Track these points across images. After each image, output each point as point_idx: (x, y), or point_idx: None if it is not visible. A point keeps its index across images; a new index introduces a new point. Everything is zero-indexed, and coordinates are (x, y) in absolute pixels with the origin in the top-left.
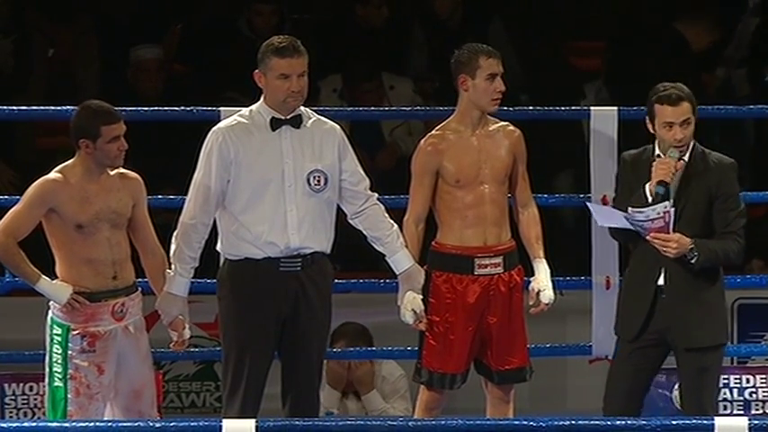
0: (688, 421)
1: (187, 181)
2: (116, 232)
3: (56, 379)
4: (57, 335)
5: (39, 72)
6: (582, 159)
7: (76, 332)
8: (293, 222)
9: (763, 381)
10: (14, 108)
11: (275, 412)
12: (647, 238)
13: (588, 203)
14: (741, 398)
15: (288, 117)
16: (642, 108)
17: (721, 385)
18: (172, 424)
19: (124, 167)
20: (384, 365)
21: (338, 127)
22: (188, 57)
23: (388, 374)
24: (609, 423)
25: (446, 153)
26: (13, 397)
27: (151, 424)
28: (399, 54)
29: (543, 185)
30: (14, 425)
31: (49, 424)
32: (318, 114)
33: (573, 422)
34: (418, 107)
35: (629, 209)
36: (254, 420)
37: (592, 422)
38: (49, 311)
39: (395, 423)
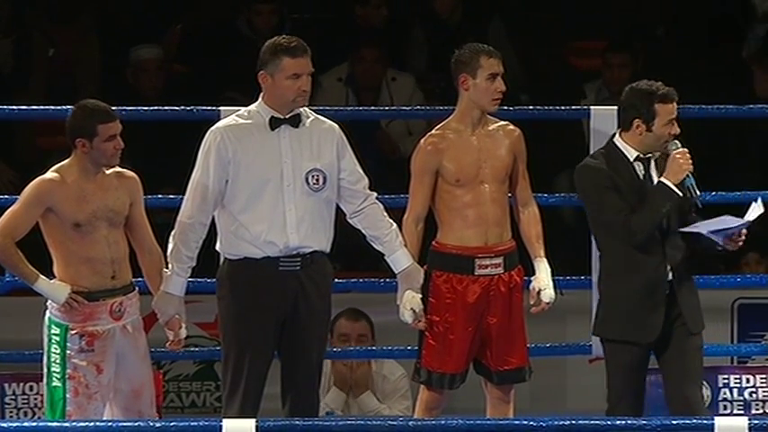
0: (688, 421)
1: (186, 180)
2: (114, 231)
3: (54, 379)
4: (55, 334)
5: (39, 72)
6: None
7: (75, 332)
8: (292, 222)
9: (763, 381)
10: (14, 108)
11: (275, 412)
12: (728, 242)
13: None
14: (741, 398)
15: (287, 116)
16: None
17: (721, 385)
18: (172, 424)
19: (124, 166)
20: (385, 365)
21: (337, 126)
22: (188, 57)
23: (388, 374)
24: (609, 423)
25: (446, 152)
26: (13, 397)
27: (151, 424)
28: (399, 54)
29: (543, 185)
30: (14, 425)
31: (50, 424)
32: (318, 113)
33: (573, 422)
34: (418, 107)
35: (758, 206)
36: (254, 420)
37: (592, 422)
38: (47, 311)
39: (395, 423)
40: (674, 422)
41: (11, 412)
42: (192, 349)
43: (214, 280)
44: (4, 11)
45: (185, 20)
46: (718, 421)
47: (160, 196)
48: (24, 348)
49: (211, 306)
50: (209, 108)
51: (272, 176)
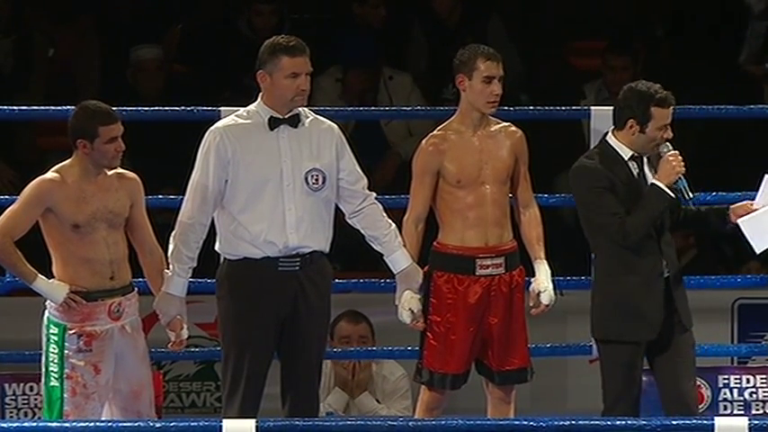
0: (688, 421)
1: (186, 181)
2: (113, 232)
3: (52, 378)
4: (53, 334)
5: (39, 72)
6: None
7: (73, 332)
8: (292, 221)
9: (764, 381)
10: (14, 108)
11: (275, 412)
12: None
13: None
14: (741, 398)
15: (286, 116)
16: None
17: (721, 385)
18: (172, 424)
19: (123, 167)
20: (385, 365)
21: (336, 126)
22: (188, 57)
23: (388, 374)
24: (609, 423)
25: (447, 153)
26: (13, 397)
27: (151, 424)
28: (398, 53)
29: (544, 185)
30: (14, 425)
31: (50, 424)
32: (317, 114)
33: (573, 422)
34: (419, 107)
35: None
36: (254, 420)
37: (592, 422)
38: (46, 311)
39: (395, 423)
40: (674, 422)
41: (11, 412)
42: (193, 349)
43: (214, 280)
44: (4, 11)
45: (185, 20)
46: (719, 421)
47: (160, 197)
48: (24, 348)
49: (211, 306)
50: (209, 108)
51: (271, 176)
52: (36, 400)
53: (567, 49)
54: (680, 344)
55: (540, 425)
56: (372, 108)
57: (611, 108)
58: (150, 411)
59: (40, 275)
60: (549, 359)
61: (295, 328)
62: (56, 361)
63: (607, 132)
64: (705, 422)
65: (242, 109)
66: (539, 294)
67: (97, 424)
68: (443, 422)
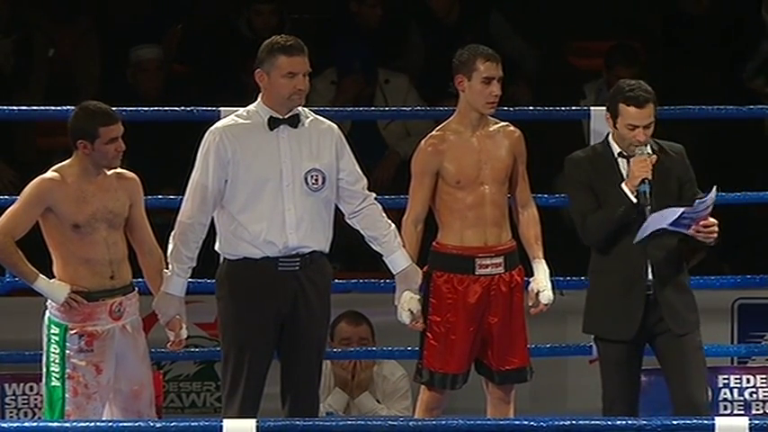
0: (688, 421)
1: (186, 181)
2: (113, 232)
3: (53, 378)
4: (54, 334)
5: (39, 72)
6: None
7: (74, 331)
8: (291, 221)
9: (764, 381)
10: (14, 108)
11: (275, 412)
12: (693, 229)
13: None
14: (741, 398)
15: (286, 116)
16: None
17: (721, 385)
18: (172, 424)
19: (123, 167)
20: (385, 365)
21: (335, 126)
22: (188, 57)
23: (388, 374)
24: (609, 423)
25: (446, 154)
26: (13, 397)
27: (152, 424)
28: (395, 53)
29: (543, 185)
30: (15, 425)
31: (50, 424)
32: (317, 114)
33: (573, 422)
34: (418, 107)
35: (696, 201)
36: (254, 420)
37: (592, 422)
38: (47, 311)
39: (395, 423)
40: (675, 422)
41: (11, 412)
42: (193, 349)
43: (214, 280)
44: (4, 11)
45: (185, 20)
46: (719, 421)
47: (160, 197)
48: (24, 349)
49: (211, 306)
50: (209, 108)
51: (271, 176)
52: (36, 400)
53: (567, 49)
54: (682, 349)
55: (539, 425)
56: (372, 108)
57: None
58: (150, 411)
59: (41, 275)
60: (548, 359)
61: (295, 329)
62: (57, 361)
63: None
64: (705, 422)
65: (242, 109)
66: (538, 294)
67: (97, 424)
68: (443, 422)
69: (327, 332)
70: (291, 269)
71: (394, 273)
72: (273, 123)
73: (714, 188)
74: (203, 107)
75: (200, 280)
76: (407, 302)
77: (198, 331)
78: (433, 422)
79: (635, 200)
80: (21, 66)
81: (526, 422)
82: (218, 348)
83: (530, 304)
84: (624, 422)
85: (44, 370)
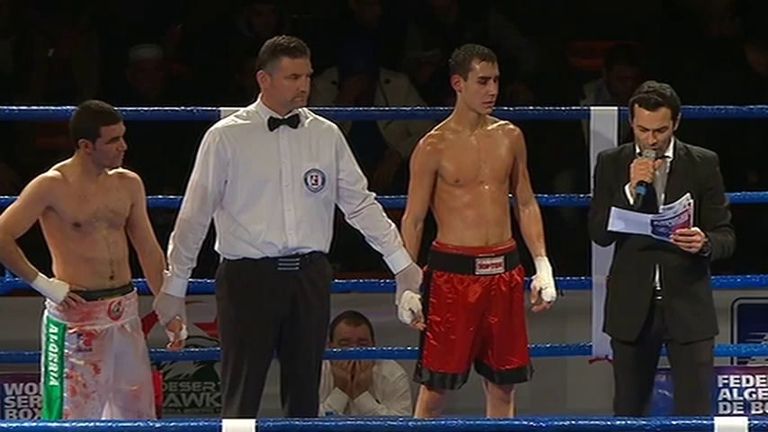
0: (688, 421)
1: (186, 181)
2: (114, 232)
3: (51, 378)
4: (53, 333)
5: (39, 72)
6: (582, 159)
7: (72, 331)
8: (291, 222)
9: (763, 381)
10: (14, 108)
11: (275, 412)
12: (671, 237)
13: (613, 208)
14: (741, 398)
15: (286, 117)
16: None
17: (721, 385)
18: (172, 424)
19: (123, 167)
20: (384, 365)
21: (335, 126)
22: (188, 57)
23: (388, 374)
24: (609, 423)
25: (445, 153)
26: (13, 397)
27: (151, 424)
28: (395, 52)
29: (543, 185)
30: (14, 425)
31: (49, 424)
32: (317, 114)
33: (573, 422)
34: (418, 107)
35: (661, 208)
36: (254, 420)
37: (592, 422)
38: (45, 310)
39: (395, 423)
40: (674, 422)
41: (11, 412)
42: (192, 350)
43: (214, 280)
44: (4, 11)
45: (185, 20)
46: (718, 421)
47: (160, 197)
48: (24, 349)
49: (211, 306)
50: (209, 108)
51: (270, 177)
52: (36, 400)
53: (567, 49)
54: (686, 363)
55: (539, 425)
56: (372, 108)
57: (612, 108)
58: (150, 411)
59: (40, 274)
60: (548, 359)
61: (294, 329)
62: (55, 360)
63: None
64: (705, 422)
65: (241, 109)
66: (540, 292)
67: (97, 424)
68: (443, 422)
69: (327, 332)
70: (291, 269)
71: (394, 272)
72: (273, 124)
73: (686, 195)
74: (203, 107)
75: (199, 280)
76: (408, 302)
77: (197, 331)
78: (433, 422)
79: (631, 201)
80: (21, 66)
81: (526, 422)
82: (218, 348)
83: (532, 302)
84: (624, 422)
85: (42, 369)
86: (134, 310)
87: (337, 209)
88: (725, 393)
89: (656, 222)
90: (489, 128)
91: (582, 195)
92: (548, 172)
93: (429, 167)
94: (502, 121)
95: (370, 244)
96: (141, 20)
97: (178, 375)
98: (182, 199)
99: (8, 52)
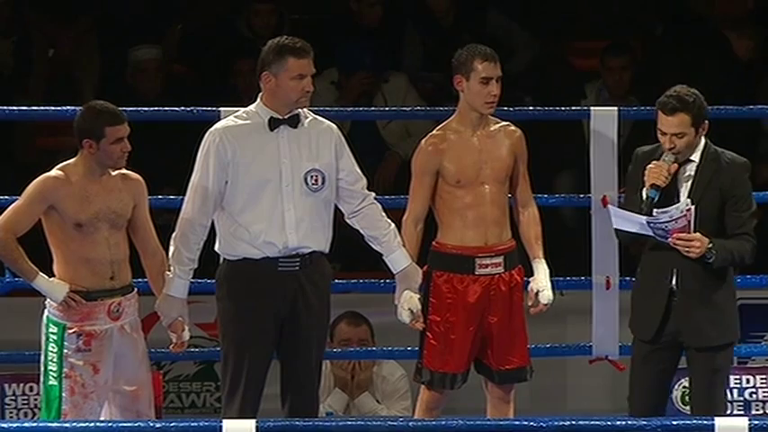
0: (688, 421)
1: (186, 181)
2: (115, 233)
3: (51, 377)
4: (52, 333)
5: (39, 72)
6: (582, 159)
7: (72, 331)
8: (291, 222)
9: (764, 381)
10: (14, 108)
11: (275, 412)
12: (670, 240)
13: (610, 206)
14: (741, 398)
15: (286, 117)
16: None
17: None
18: (172, 424)
19: (124, 168)
20: (384, 366)
21: (335, 126)
22: (188, 57)
23: (388, 375)
24: (609, 423)
25: (447, 153)
26: (13, 397)
27: (151, 424)
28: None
29: (544, 186)
30: (14, 425)
31: (49, 424)
32: (317, 114)
33: (573, 422)
34: (418, 107)
35: (655, 211)
36: (254, 421)
37: (592, 422)
38: (45, 310)
39: (395, 423)
40: (675, 422)
41: (11, 413)
42: (193, 350)
43: (214, 281)
44: (4, 11)
45: (185, 20)
46: (719, 422)
47: (160, 197)
48: (24, 349)
49: (211, 307)
50: (208, 108)
51: (271, 177)
52: (36, 400)
53: (568, 49)
54: (698, 368)
55: (539, 425)
56: (372, 108)
57: (612, 109)
58: (150, 412)
59: (40, 273)
60: (548, 359)
61: (295, 329)
62: (55, 360)
63: None
64: (705, 422)
65: (241, 110)
66: (537, 294)
67: (97, 424)
68: (443, 422)
69: (327, 332)
70: (291, 269)
71: (394, 272)
72: (273, 124)
73: (686, 201)
74: (203, 107)
75: (200, 280)
76: (407, 302)
77: (198, 331)
78: (433, 422)
79: (641, 204)
80: (21, 66)
81: (526, 423)
82: (218, 349)
83: (529, 304)
84: (624, 422)
85: (42, 368)
86: (134, 311)
87: (337, 209)
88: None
89: (651, 224)
90: (491, 129)
91: (582, 195)
92: (548, 172)
93: (430, 167)
94: (504, 122)
95: (370, 244)
96: (141, 20)
97: (178, 375)
98: (182, 199)
99: (8, 52)
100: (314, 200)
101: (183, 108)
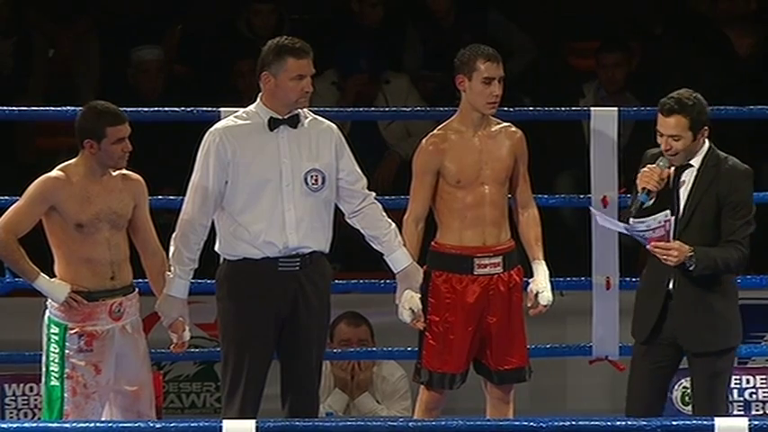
0: (688, 422)
1: (187, 182)
2: (116, 233)
3: (52, 378)
4: (54, 334)
5: (39, 72)
6: (582, 159)
7: (74, 331)
8: (291, 222)
9: (764, 381)
10: (14, 108)
11: (275, 413)
12: (648, 247)
13: (594, 210)
14: (741, 398)
15: (285, 117)
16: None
17: None
18: (172, 425)
19: (125, 168)
20: (384, 366)
21: (335, 126)
22: (188, 57)
23: (388, 375)
24: (609, 423)
25: (447, 153)
26: (13, 397)
27: (152, 425)
28: (395, 52)
29: (544, 186)
30: (15, 425)
31: (50, 425)
32: (317, 114)
33: (573, 423)
34: (419, 108)
35: (631, 220)
36: (254, 421)
37: (592, 423)
38: (47, 310)
39: (395, 424)
40: (675, 422)
41: (11, 413)
42: (193, 350)
43: (214, 281)
44: (4, 11)
45: (185, 20)
46: (719, 422)
47: (160, 197)
48: (25, 349)
49: (212, 307)
50: (209, 109)
51: (271, 177)
52: (36, 400)
53: (566, 49)
54: (696, 371)
55: (539, 426)
56: (373, 108)
57: (612, 109)
58: (150, 412)
59: (42, 274)
60: (548, 360)
61: (295, 329)
62: (56, 360)
63: None
64: (705, 422)
65: (241, 110)
66: (537, 295)
67: (97, 424)
68: (443, 422)
69: (327, 332)
70: (291, 269)
71: (395, 272)
72: (274, 124)
73: (665, 212)
74: (203, 108)
75: (200, 280)
76: (408, 301)
77: (198, 332)
78: (433, 423)
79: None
80: (21, 66)
81: (526, 423)
82: (218, 349)
83: (529, 305)
84: (624, 422)
85: (43, 369)
86: (135, 311)
87: (337, 209)
88: None
89: (630, 231)
90: (492, 129)
91: (582, 196)
92: (548, 172)
93: (431, 167)
94: (505, 123)
95: (371, 243)
96: (141, 20)
97: (178, 376)
98: (181, 200)
99: (8, 53)
100: (314, 200)
101: (183, 108)
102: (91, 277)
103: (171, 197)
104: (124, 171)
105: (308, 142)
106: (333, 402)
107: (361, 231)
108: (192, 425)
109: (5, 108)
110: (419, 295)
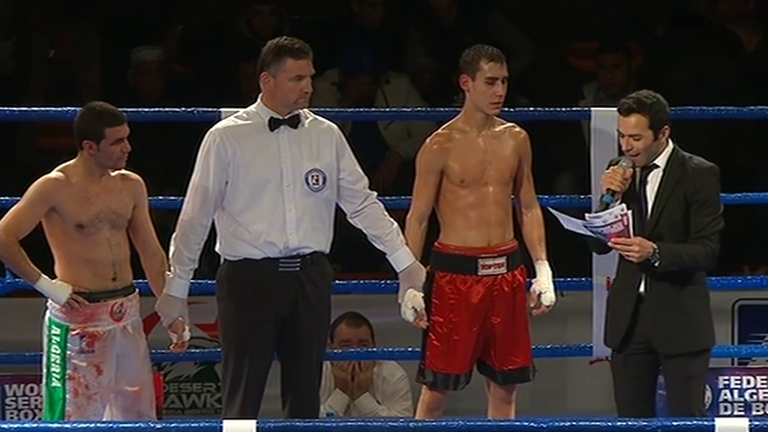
0: (688, 422)
1: (187, 182)
2: (116, 233)
3: (54, 379)
4: (55, 335)
5: (39, 73)
6: (582, 160)
7: (75, 332)
8: (292, 222)
9: (764, 382)
10: (15, 109)
11: (275, 413)
12: (609, 244)
13: (554, 211)
14: (741, 399)
15: (286, 117)
16: None
17: (721, 386)
18: (173, 425)
19: (125, 168)
20: (385, 366)
21: (335, 126)
22: (188, 58)
23: (388, 375)
24: (609, 424)
25: (452, 152)
26: (13, 398)
27: (152, 425)
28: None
29: (544, 186)
30: (15, 426)
31: (50, 425)
32: (317, 115)
33: (574, 423)
34: (419, 108)
35: (587, 216)
36: (254, 421)
37: (593, 423)
38: (47, 311)
39: (395, 424)
40: (675, 423)
41: (11, 413)
42: (193, 350)
43: (214, 281)
44: (4, 11)
45: (185, 21)
46: (719, 422)
47: (160, 198)
48: (25, 350)
49: (212, 307)
50: (209, 109)
51: (271, 177)
52: (36, 401)
53: (567, 50)
54: (671, 372)
55: (540, 426)
56: (373, 109)
57: (612, 109)
58: (151, 412)
59: (43, 275)
60: (549, 360)
61: (295, 329)
62: (58, 362)
63: None
64: (705, 423)
65: (242, 110)
66: (540, 295)
67: (98, 425)
68: (444, 423)
69: (328, 333)
70: (292, 270)
71: (397, 271)
72: (274, 124)
73: (621, 206)
74: (204, 108)
75: (200, 281)
76: (411, 300)
77: (199, 332)
78: (434, 423)
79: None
80: (21, 67)
81: (527, 423)
82: (219, 349)
83: (531, 306)
84: (624, 423)
85: (44, 370)
86: (136, 312)
87: (338, 209)
88: (725, 394)
89: (588, 227)
90: (496, 129)
91: (582, 196)
92: (548, 173)
93: (435, 166)
94: (509, 123)
95: (373, 243)
96: (142, 21)
97: (179, 376)
98: (182, 200)
99: (9, 53)
100: (315, 200)
101: (183, 109)
102: (92, 278)
103: (171, 198)
104: (123, 171)
105: (308, 142)
106: (333, 403)
107: (364, 231)
108: (193, 425)
109: (6, 108)
110: (422, 294)
